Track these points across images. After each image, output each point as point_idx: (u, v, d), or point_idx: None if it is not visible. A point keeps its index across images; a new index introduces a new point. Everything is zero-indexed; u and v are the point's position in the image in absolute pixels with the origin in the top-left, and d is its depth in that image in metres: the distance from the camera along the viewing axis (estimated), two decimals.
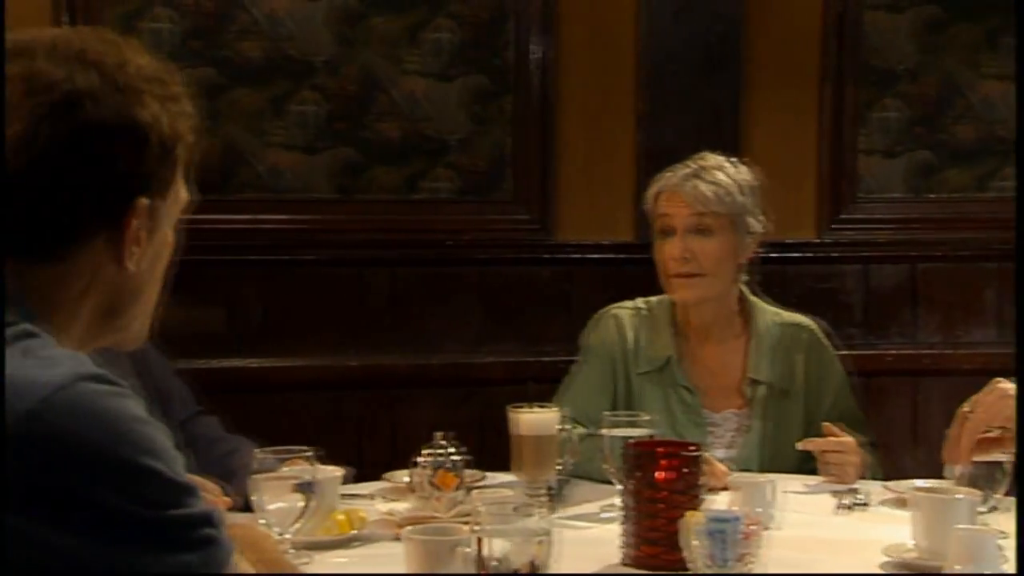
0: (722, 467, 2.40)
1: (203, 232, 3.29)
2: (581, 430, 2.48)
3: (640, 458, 1.96)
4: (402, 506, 2.17)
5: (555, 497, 2.34)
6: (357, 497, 2.29)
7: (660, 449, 2.00)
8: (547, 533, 1.65)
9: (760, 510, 2.16)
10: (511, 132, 3.58)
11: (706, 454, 2.40)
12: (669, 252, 2.66)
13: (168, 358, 3.26)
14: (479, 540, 1.63)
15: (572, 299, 3.55)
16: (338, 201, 3.47)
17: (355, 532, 2.07)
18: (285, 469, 1.97)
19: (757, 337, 2.73)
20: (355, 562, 1.98)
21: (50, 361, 1.22)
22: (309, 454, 1.97)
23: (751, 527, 1.85)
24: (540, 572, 1.64)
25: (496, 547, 1.63)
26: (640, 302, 2.79)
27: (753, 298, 2.79)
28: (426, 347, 3.54)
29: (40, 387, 1.18)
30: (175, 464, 1.25)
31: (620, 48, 3.65)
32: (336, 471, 2.12)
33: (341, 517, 2.07)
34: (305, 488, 1.93)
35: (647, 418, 2.28)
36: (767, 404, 2.69)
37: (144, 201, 1.35)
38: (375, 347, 3.49)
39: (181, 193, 1.45)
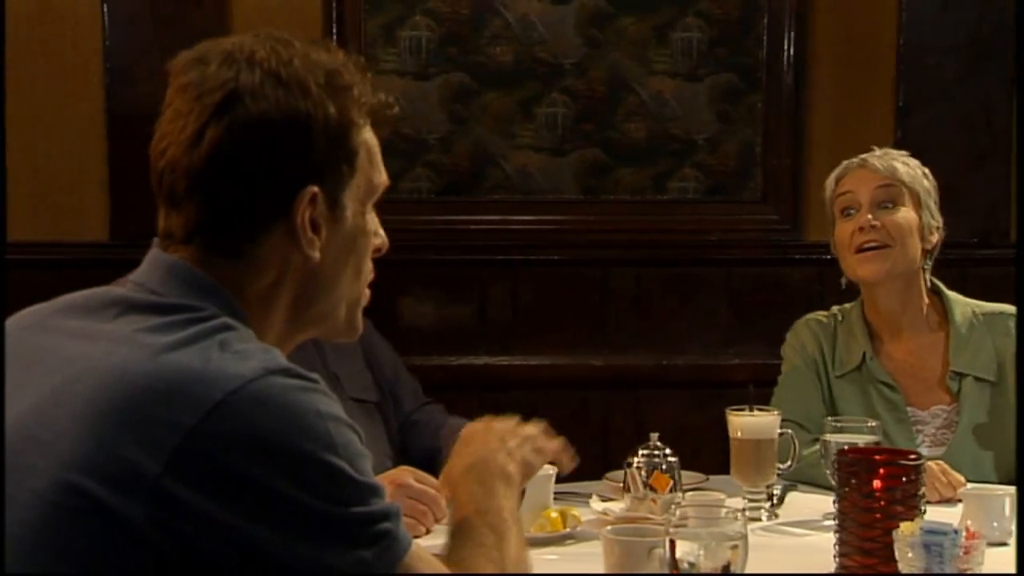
0: (958, 477, 2.30)
1: (454, 232, 3.46)
2: (805, 434, 2.44)
3: (855, 465, 1.90)
4: (618, 506, 2.17)
5: (777, 502, 2.29)
6: (575, 495, 2.31)
7: (877, 457, 1.93)
8: (742, 538, 1.63)
9: (995, 524, 2.06)
10: (761, 131, 3.52)
11: (942, 463, 2.32)
12: (854, 225, 2.59)
13: (421, 354, 3.39)
14: (671, 542, 1.63)
15: (823, 300, 3.45)
16: (584, 202, 3.50)
17: (568, 530, 2.09)
18: None
19: (956, 328, 2.62)
20: (564, 559, 2.01)
21: (243, 354, 1.28)
22: None
23: (971, 541, 1.77)
24: None
25: (690, 550, 1.62)
26: (834, 309, 2.75)
27: (949, 292, 2.68)
28: (671, 348, 3.52)
29: (230, 379, 1.24)
30: (358, 462, 1.29)
31: (879, 41, 3.54)
32: (548, 469, 2.13)
33: (554, 515, 2.10)
34: None
35: (873, 424, 2.21)
36: (976, 397, 2.57)
37: (314, 189, 1.39)
38: (619, 347, 3.51)
39: (374, 179, 1.48)
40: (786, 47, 3.50)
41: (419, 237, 3.44)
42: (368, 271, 1.51)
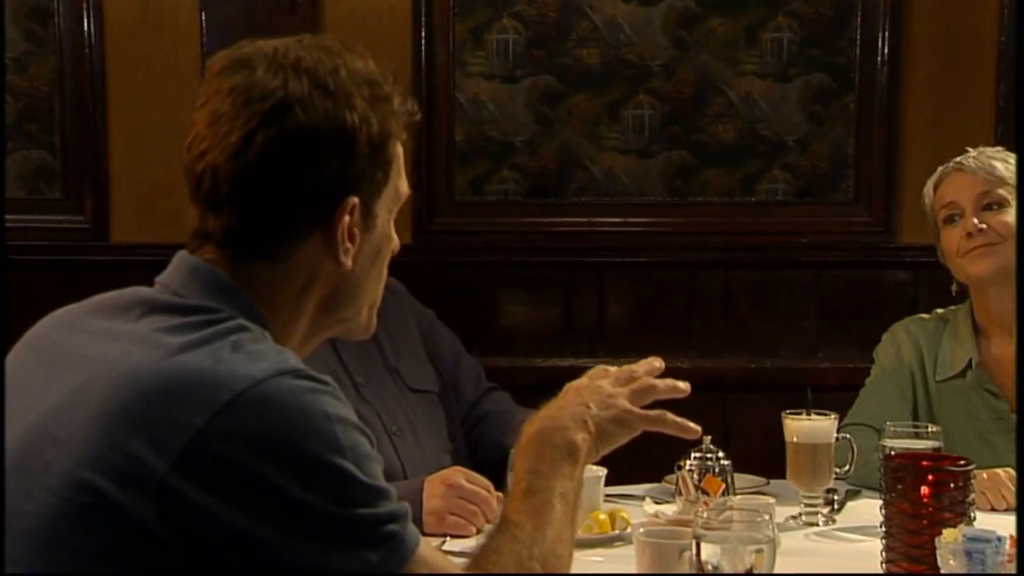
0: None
1: (541, 234, 3.47)
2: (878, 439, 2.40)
3: (902, 471, 1.87)
4: (670, 509, 2.16)
5: (837, 507, 2.26)
6: (632, 498, 2.30)
7: (925, 463, 1.89)
8: (768, 541, 1.62)
9: None
10: (854, 131, 3.46)
11: (1011, 471, 2.26)
12: (960, 231, 2.51)
13: (507, 355, 3.41)
14: (697, 544, 1.62)
15: (917, 304, 3.38)
16: (672, 204, 3.48)
17: (616, 532, 2.08)
18: None
19: None
20: (610, 561, 2.01)
21: (255, 356, 1.30)
22: None
23: (1015, 549, 1.73)
24: None
25: (713, 552, 1.61)
26: (937, 312, 2.66)
27: None
28: (759, 351, 3.48)
29: (239, 380, 1.26)
30: (366, 464, 1.30)
31: (979, 39, 3.45)
32: (598, 471, 2.14)
33: (603, 517, 2.09)
34: None
35: (934, 429, 2.16)
36: None
37: (354, 200, 1.42)
38: (706, 350, 3.48)
39: (400, 188, 1.50)
40: (880, 46, 3.43)
41: (505, 239, 3.47)
42: (386, 274, 1.54)
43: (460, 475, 2.16)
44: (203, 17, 3.43)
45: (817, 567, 1.95)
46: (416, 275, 3.30)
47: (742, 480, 2.33)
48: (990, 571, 1.70)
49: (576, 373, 3.43)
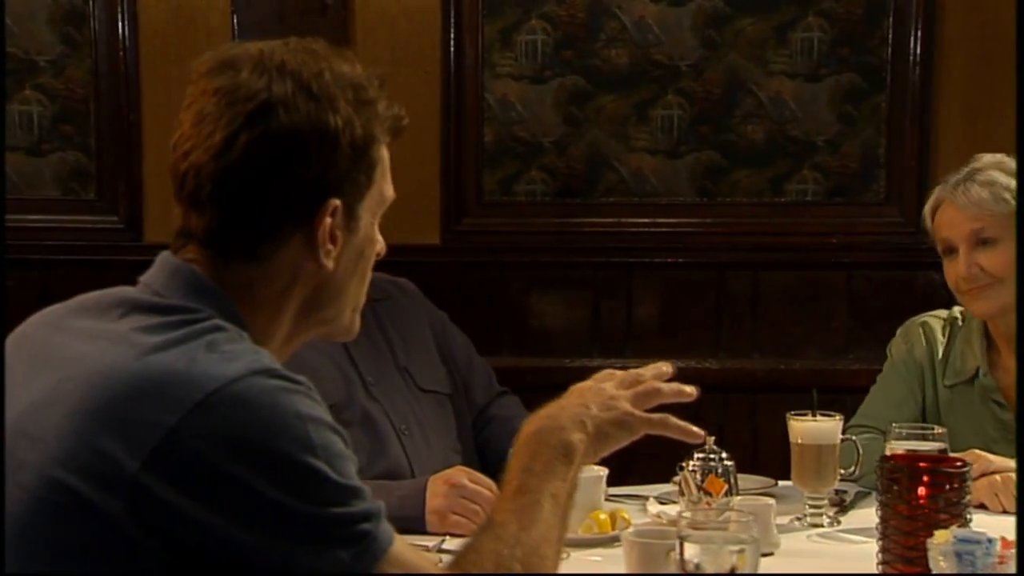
0: None
1: (569, 235, 3.47)
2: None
3: (897, 472, 1.85)
4: (673, 510, 2.16)
5: (845, 508, 2.25)
6: (638, 498, 2.30)
7: (921, 464, 1.87)
8: (752, 542, 1.61)
9: None
10: (885, 132, 3.43)
11: (1008, 474, 2.23)
12: (955, 271, 2.47)
13: (536, 355, 3.42)
14: (681, 544, 1.62)
15: (949, 305, 3.33)
16: (700, 204, 3.47)
17: (616, 532, 2.08)
18: None
19: None
20: (608, 561, 1.99)
21: (229, 355, 1.31)
22: None
23: (1007, 551, 1.71)
24: None
25: (696, 552, 1.60)
26: (956, 311, 2.61)
27: None
28: (788, 352, 3.47)
29: (212, 379, 1.27)
30: (338, 463, 1.30)
31: (1013, 37, 3.39)
32: (599, 471, 2.14)
33: (603, 516, 2.09)
34: None
35: (939, 431, 2.14)
36: None
37: (336, 202, 1.42)
38: (736, 350, 3.47)
39: (385, 192, 1.51)
40: (913, 46, 3.41)
41: (534, 240, 3.48)
42: (370, 276, 1.55)
43: (463, 474, 2.17)
44: (235, 20, 3.47)
45: (814, 568, 1.94)
46: (444, 275, 3.33)
47: (749, 481, 2.32)
48: (980, 572, 1.68)
49: None
